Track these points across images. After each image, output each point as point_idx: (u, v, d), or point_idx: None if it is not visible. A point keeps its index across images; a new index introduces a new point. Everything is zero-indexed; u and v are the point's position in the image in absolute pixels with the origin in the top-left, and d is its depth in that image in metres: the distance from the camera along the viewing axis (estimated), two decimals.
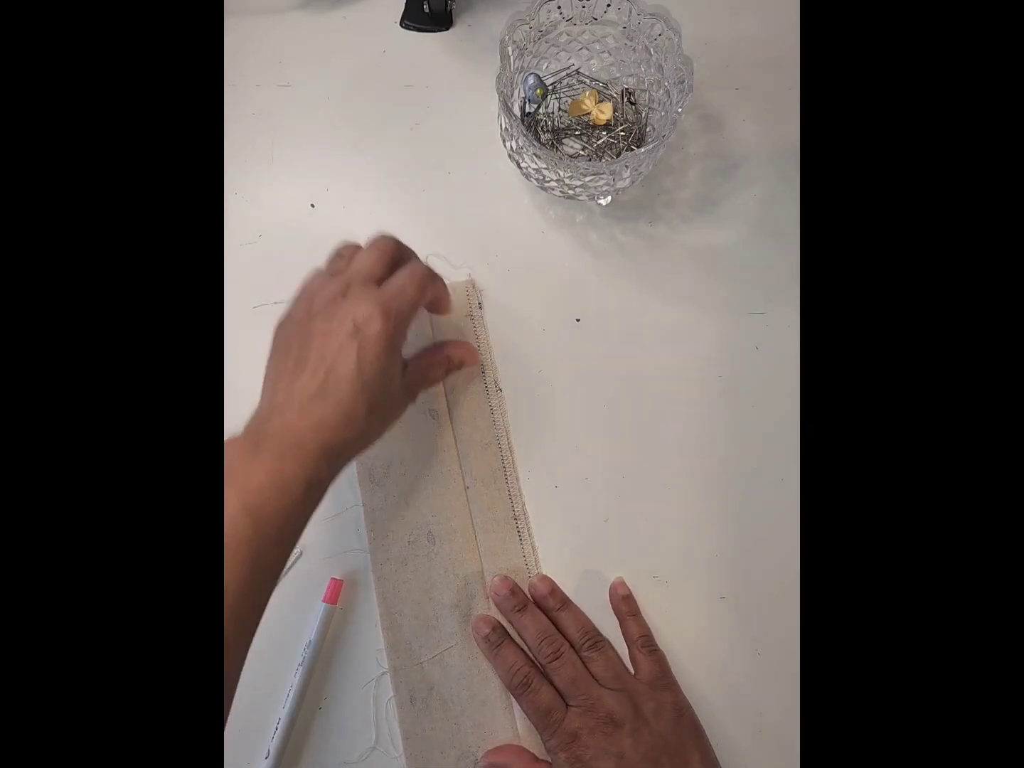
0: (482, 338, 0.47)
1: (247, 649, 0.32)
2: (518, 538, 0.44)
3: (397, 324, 0.36)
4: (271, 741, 0.40)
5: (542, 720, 0.38)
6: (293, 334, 0.38)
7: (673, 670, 0.41)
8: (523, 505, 0.45)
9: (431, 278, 0.39)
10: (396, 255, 0.40)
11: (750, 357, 0.48)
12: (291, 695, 0.41)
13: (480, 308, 0.48)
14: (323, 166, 0.52)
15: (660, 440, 0.47)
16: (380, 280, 0.38)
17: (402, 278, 0.38)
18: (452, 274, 0.48)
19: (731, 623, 0.44)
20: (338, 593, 0.42)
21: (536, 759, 0.39)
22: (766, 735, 0.42)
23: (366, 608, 0.43)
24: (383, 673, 0.42)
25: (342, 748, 0.41)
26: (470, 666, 0.41)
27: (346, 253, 0.40)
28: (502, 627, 0.41)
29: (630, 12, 0.48)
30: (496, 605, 0.42)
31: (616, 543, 0.45)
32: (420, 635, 0.42)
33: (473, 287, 0.48)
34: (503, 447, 0.45)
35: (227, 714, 0.30)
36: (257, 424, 0.36)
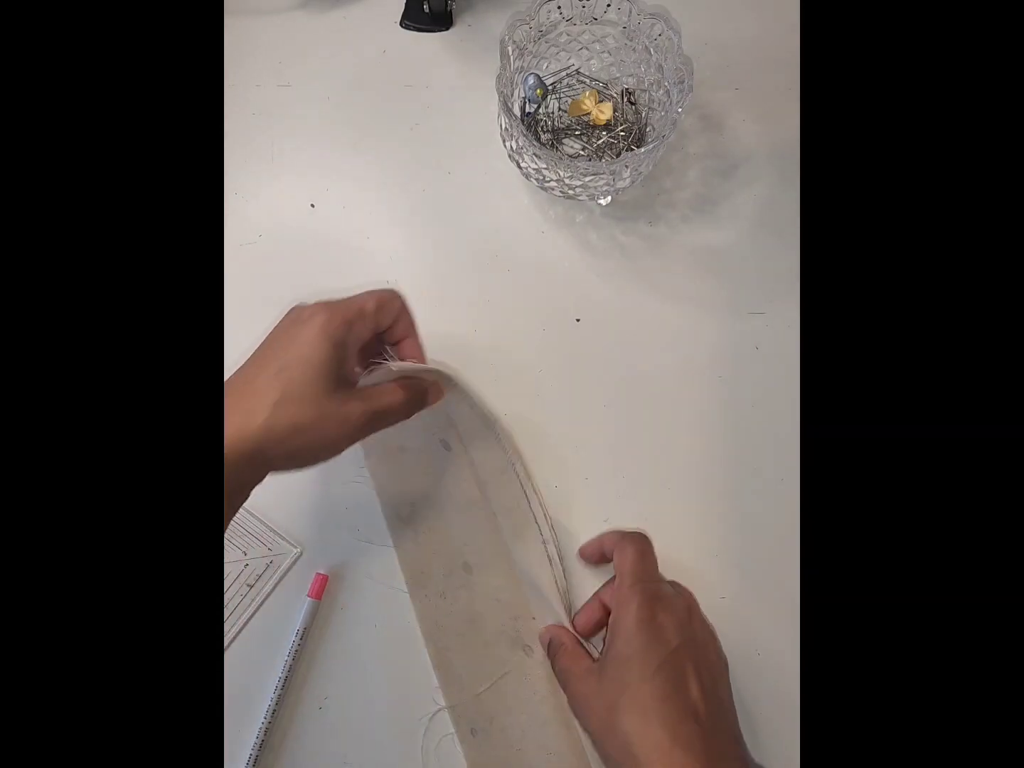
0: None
1: None
2: (548, 563, 0.42)
3: (338, 319, 0.34)
4: (257, 735, 0.40)
5: (634, 568, 0.37)
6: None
7: None
8: (551, 529, 0.43)
9: (395, 300, 0.36)
10: (390, 305, 0.36)
11: (750, 357, 0.48)
12: (276, 688, 0.41)
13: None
14: (323, 166, 0.52)
15: (660, 440, 0.47)
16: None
17: (365, 291, 0.36)
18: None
19: (731, 623, 0.44)
20: (323, 588, 0.42)
21: (585, 650, 0.38)
22: (766, 735, 0.42)
23: (367, 607, 0.43)
24: (439, 710, 0.41)
25: (342, 748, 0.41)
26: (526, 689, 0.41)
27: None
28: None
29: (630, 12, 0.48)
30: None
31: None
32: (472, 667, 0.41)
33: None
34: (519, 472, 0.43)
35: None
36: None
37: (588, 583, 0.43)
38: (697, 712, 0.33)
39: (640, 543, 0.39)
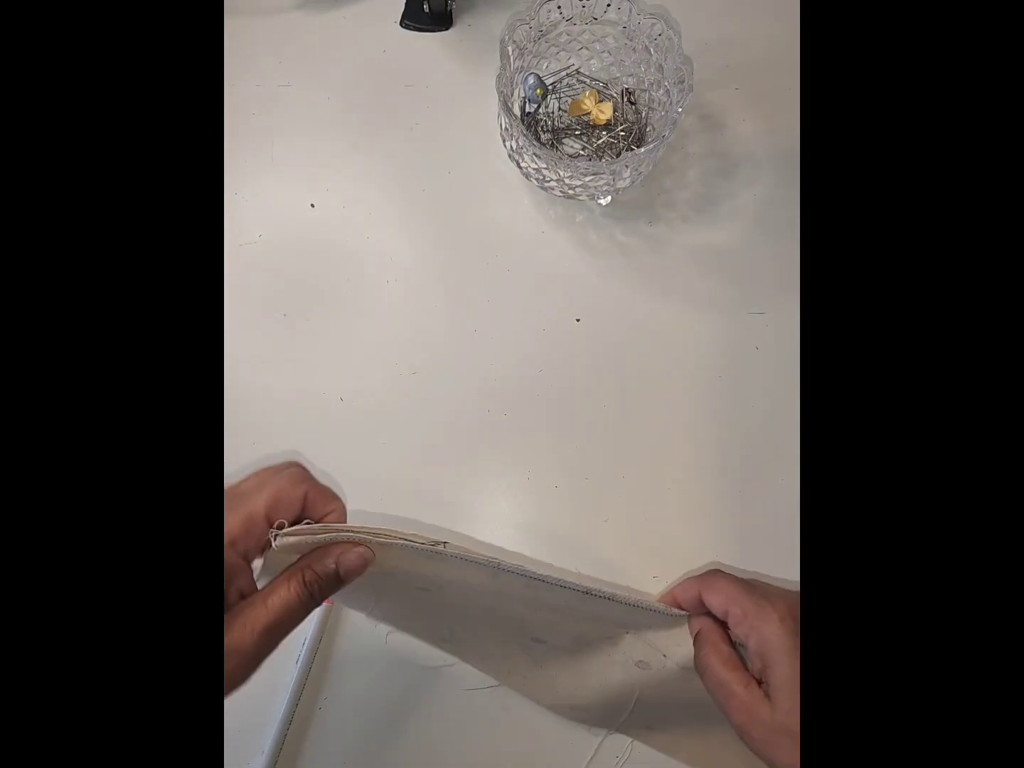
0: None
1: None
2: (602, 599, 0.33)
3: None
4: (268, 739, 0.40)
5: (742, 590, 0.32)
6: None
7: None
8: (577, 580, 0.32)
9: (290, 487, 0.29)
10: (290, 496, 0.29)
11: (750, 357, 0.48)
12: (289, 693, 0.41)
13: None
14: (322, 166, 0.52)
15: (660, 440, 0.47)
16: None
17: (254, 481, 0.29)
18: None
19: None
20: None
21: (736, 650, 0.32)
22: None
23: None
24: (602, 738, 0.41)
25: (342, 748, 0.41)
26: (663, 697, 0.37)
27: None
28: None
29: (630, 12, 0.48)
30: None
31: (616, 543, 0.45)
32: (605, 702, 0.38)
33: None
34: (509, 567, 0.31)
35: None
36: None
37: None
38: None
39: (721, 573, 0.33)
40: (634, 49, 0.50)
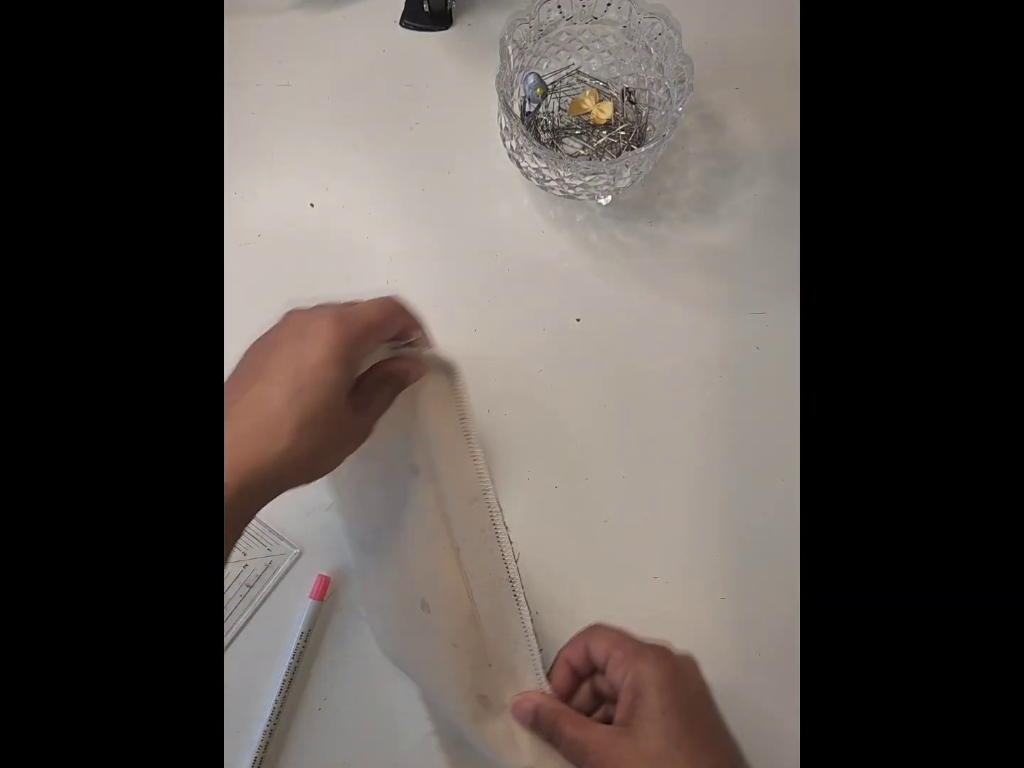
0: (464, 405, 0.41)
1: None
2: (515, 602, 0.39)
3: (348, 337, 0.32)
4: (259, 736, 0.40)
5: (624, 637, 0.36)
6: (250, 348, 0.35)
7: None
8: (517, 568, 0.39)
9: (399, 309, 0.36)
10: (394, 316, 0.36)
11: (750, 357, 0.48)
12: (280, 690, 0.41)
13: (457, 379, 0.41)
14: (322, 166, 0.52)
15: (660, 440, 0.47)
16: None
17: (368, 301, 0.36)
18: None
19: (731, 623, 0.44)
20: (325, 589, 0.42)
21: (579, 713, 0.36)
22: (766, 736, 0.42)
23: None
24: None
25: (342, 748, 0.41)
26: (483, 745, 0.37)
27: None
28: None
29: (630, 11, 0.48)
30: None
31: (616, 543, 0.45)
32: (438, 712, 0.41)
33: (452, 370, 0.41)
34: (491, 503, 0.40)
35: None
36: None
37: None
38: (736, 747, 0.35)
39: (602, 625, 0.37)
40: (634, 48, 0.50)
